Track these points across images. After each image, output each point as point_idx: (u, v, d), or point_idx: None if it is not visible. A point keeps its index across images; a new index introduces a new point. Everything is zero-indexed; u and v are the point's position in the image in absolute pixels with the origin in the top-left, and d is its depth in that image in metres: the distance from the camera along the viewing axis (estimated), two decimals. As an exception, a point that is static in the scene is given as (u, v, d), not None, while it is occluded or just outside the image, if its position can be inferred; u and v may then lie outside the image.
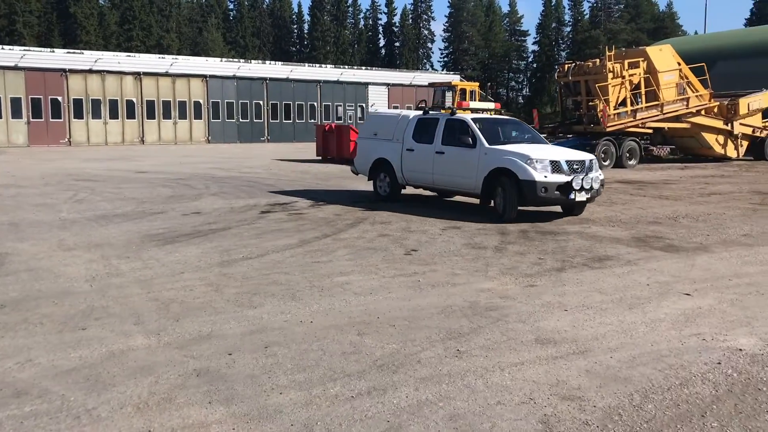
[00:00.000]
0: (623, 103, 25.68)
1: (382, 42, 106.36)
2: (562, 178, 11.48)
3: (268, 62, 54.44)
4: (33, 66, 40.30)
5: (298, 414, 4.24)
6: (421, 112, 14.42)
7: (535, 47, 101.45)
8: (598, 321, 6.16)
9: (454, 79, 49.27)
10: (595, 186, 11.75)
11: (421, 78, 54.84)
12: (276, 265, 8.32)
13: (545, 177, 11.41)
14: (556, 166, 11.58)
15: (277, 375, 4.85)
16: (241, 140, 47.57)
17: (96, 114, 42.50)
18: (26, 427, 4.06)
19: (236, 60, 53.18)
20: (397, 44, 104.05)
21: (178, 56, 51.04)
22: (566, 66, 27.67)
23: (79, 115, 41.99)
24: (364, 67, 60.54)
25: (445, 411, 4.29)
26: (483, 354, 5.31)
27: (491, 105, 15.53)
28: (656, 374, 4.92)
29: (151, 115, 44.54)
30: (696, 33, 79.07)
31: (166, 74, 44.86)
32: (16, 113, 40.10)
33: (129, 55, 46.30)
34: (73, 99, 41.75)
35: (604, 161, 24.27)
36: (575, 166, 11.71)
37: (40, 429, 4.03)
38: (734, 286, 7.51)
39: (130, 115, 43.76)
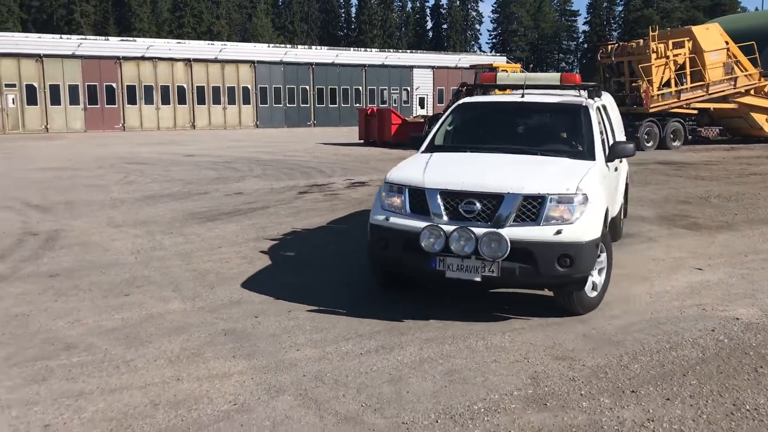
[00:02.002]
0: (667, 84, 25.36)
1: (429, 24, 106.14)
2: (413, 226, 5.70)
3: (314, 47, 55.09)
4: (89, 54, 41.73)
5: (311, 367, 4.72)
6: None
7: (586, 27, 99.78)
8: (606, 292, 6.45)
9: (500, 61, 49.05)
10: (491, 251, 5.35)
11: (467, 60, 54.55)
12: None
13: (386, 219, 5.94)
14: (418, 200, 5.86)
15: (296, 335, 5.34)
16: (287, 125, 48.39)
17: (148, 100, 43.82)
18: (74, 374, 4.63)
19: (283, 45, 53.92)
20: (444, 26, 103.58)
21: (227, 42, 52.10)
22: (609, 46, 27.42)
23: (132, 101, 43.36)
24: (409, 51, 60.69)
25: (444, 367, 4.71)
26: (491, 319, 5.68)
27: (552, 76, 7.94)
28: (649, 339, 5.23)
29: (201, 100, 45.67)
30: (757, 9, 76.48)
31: (216, 60, 45.87)
32: (74, 100, 41.65)
33: (180, 42, 47.52)
34: (127, 85, 43.11)
35: (647, 142, 24.20)
36: (467, 204, 5.64)
37: (86, 376, 4.60)
38: (749, 261, 7.68)
39: (182, 100, 44.97)
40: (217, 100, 46.27)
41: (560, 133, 7.27)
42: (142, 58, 43.34)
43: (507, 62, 48.83)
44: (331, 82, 50.60)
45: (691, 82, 25.42)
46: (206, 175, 16.76)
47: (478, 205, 5.61)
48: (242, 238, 9.01)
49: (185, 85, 44.94)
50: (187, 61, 44.83)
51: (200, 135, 38.16)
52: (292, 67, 48.76)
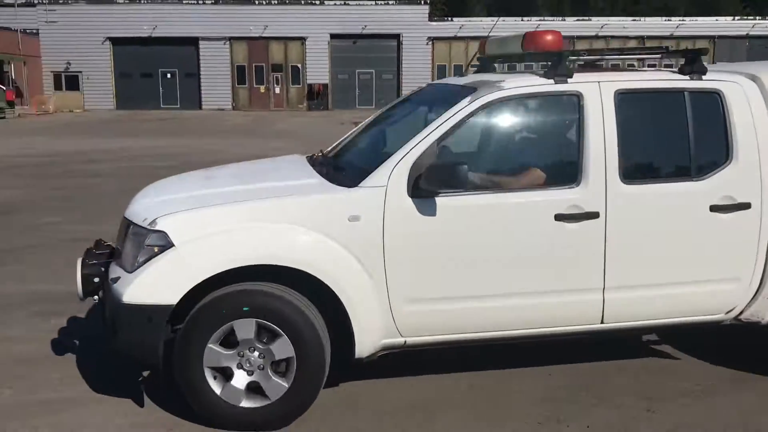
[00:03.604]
0: None
1: None
2: None
3: (789, 17, 48.52)
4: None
5: None
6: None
7: None
8: None
9: None
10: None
11: None
12: None
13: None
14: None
15: None
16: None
17: (598, 78, 44.29)
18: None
19: (750, 18, 48.74)
20: None
21: (684, 18, 49.29)
22: None
23: (582, 79, 44.38)
24: None
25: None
26: None
27: (513, 39, 4.34)
28: None
29: (651, 78, 44.36)
30: None
31: (671, 37, 43.84)
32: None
33: (634, 20, 46.64)
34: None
35: None
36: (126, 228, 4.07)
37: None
38: None
39: (630, 79, 44.34)
40: (668, 79, 44.39)
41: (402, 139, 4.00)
42: (596, 36, 43.81)
43: None
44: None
45: None
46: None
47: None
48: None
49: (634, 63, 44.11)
50: (641, 39, 43.80)
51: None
52: (759, 41, 43.84)
